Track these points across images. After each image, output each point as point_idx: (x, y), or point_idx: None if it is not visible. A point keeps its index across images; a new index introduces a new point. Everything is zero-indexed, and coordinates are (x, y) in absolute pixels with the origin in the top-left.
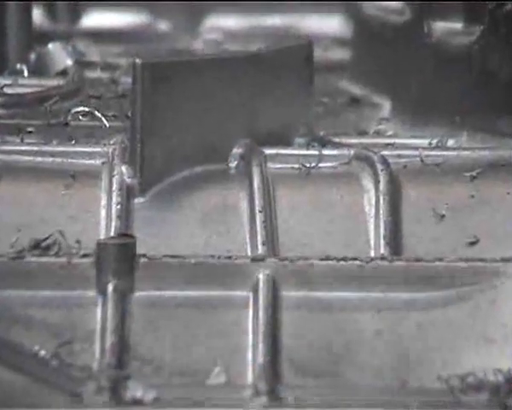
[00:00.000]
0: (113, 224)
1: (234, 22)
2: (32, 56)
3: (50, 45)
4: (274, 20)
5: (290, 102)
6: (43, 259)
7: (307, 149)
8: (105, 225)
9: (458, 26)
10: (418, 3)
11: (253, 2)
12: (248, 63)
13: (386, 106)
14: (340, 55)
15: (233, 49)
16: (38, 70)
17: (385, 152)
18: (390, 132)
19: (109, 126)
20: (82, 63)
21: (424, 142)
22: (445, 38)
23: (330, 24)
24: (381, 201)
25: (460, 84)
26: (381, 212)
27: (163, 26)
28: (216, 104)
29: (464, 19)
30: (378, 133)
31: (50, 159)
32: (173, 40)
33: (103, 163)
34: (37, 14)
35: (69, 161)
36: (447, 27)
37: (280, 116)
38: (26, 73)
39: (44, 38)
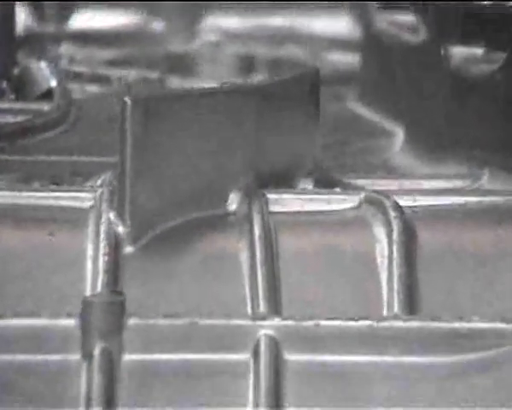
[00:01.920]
0: (100, 278)
1: (233, 22)
2: (16, 71)
3: (34, 64)
4: (276, 21)
5: (295, 138)
6: (21, 319)
7: (313, 191)
8: (91, 280)
9: (479, 51)
10: (435, 22)
11: (254, 2)
12: (249, 97)
13: (399, 135)
14: (347, 63)
15: (232, 50)
16: (22, 88)
17: (398, 195)
18: (404, 169)
19: (97, 161)
20: (70, 75)
21: (441, 182)
22: (464, 64)
23: (336, 28)
24: (395, 252)
25: (480, 116)
26: (395, 264)
27: (158, 27)
28: (213, 143)
29: (486, 44)
30: (391, 170)
31: (31, 203)
32: (169, 42)
33: (90, 208)
34: (24, 15)
35: (52, 205)
36: (467, 52)
37: (283, 154)
38: (8, 94)
39: (31, 40)
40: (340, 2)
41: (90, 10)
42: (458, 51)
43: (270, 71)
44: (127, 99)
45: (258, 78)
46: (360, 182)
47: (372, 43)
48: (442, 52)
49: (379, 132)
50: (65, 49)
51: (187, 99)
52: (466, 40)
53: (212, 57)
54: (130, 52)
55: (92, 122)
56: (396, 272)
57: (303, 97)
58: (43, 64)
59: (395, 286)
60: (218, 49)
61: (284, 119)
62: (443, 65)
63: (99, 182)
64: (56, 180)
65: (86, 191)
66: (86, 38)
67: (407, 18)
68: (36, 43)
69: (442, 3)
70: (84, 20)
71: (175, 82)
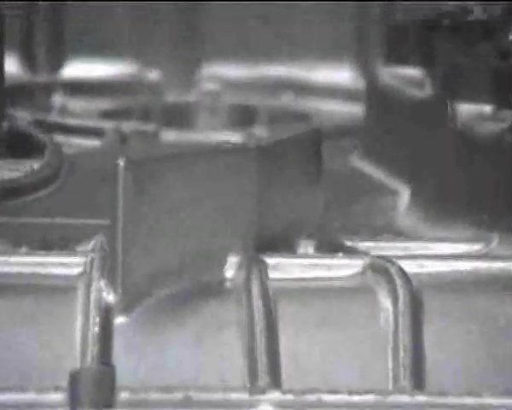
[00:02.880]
0: (90, 349)
1: (233, 71)
2: (5, 125)
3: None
4: (276, 70)
5: (295, 199)
6: (7, 394)
7: (314, 256)
8: (80, 351)
9: (487, 109)
10: (442, 76)
11: (256, 50)
12: (249, 157)
13: (404, 194)
14: (349, 114)
15: (231, 100)
16: (10, 144)
17: (404, 261)
18: (409, 231)
19: (89, 224)
20: (59, 128)
21: (449, 246)
22: (472, 122)
23: (338, 78)
24: (401, 322)
25: (489, 177)
26: (401, 335)
27: (154, 75)
28: (210, 206)
29: (495, 102)
30: (396, 232)
31: (17, 270)
32: (166, 92)
33: (80, 275)
34: (14, 64)
35: (40, 272)
36: (474, 110)
37: (284, 216)
38: None
39: (22, 90)
40: (342, 52)
41: (83, 59)
42: (466, 108)
43: (271, 122)
44: (120, 162)
45: (257, 132)
46: (364, 245)
47: (376, 98)
48: (449, 109)
49: (383, 191)
50: (57, 99)
51: (183, 160)
52: (474, 97)
53: (210, 108)
54: (125, 103)
55: (84, 181)
56: (402, 343)
57: (304, 158)
58: (32, 117)
59: (401, 358)
60: (216, 100)
61: (285, 179)
62: (450, 122)
63: (90, 247)
64: (45, 244)
65: (76, 257)
66: (79, 88)
67: (413, 72)
68: (26, 94)
69: (449, 58)
70: (76, 69)
71: (171, 135)
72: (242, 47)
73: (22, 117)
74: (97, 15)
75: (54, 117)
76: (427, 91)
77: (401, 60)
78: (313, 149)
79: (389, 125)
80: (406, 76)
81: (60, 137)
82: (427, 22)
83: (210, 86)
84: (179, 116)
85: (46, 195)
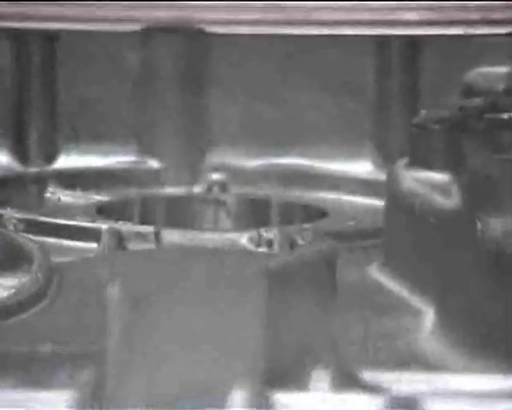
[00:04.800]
0: None
1: (241, 160)
2: None
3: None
4: (287, 159)
5: (308, 326)
6: None
7: (328, 391)
8: None
9: None
10: (469, 184)
11: (266, 136)
12: (258, 277)
13: (427, 314)
14: (367, 213)
15: (241, 192)
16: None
17: (428, 398)
18: (433, 358)
19: (78, 353)
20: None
21: (478, 380)
22: (502, 237)
23: (357, 171)
24: None
25: None
26: None
27: (156, 165)
28: (214, 334)
29: None
30: (418, 359)
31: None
32: (169, 182)
33: None
34: (4, 154)
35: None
36: (505, 223)
37: (295, 344)
38: None
39: (13, 183)
40: (361, 143)
41: (78, 148)
42: (494, 222)
43: (282, 218)
44: (114, 290)
45: (267, 234)
46: (384, 378)
47: (398, 203)
48: (476, 221)
49: (404, 309)
50: (50, 192)
51: (183, 288)
52: (504, 210)
53: (216, 200)
54: (124, 195)
55: (74, 299)
56: None
57: (318, 281)
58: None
59: None
60: (222, 191)
61: (296, 304)
62: (477, 236)
63: (80, 379)
64: (30, 378)
65: (64, 390)
66: (74, 179)
67: (438, 177)
68: (18, 186)
69: (477, 163)
70: (71, 159)
71: (173, 235)
72: (251, 133)
73: (11, 217)
74: (93, 100)
75: (46, 216)
76: (453, 199)
77: (425, 163)
78: (328, 271)
79: (411, 234)
80: (431, 181)
81: (52, 240)
82: (454, 121)
83: (216, 176)
84: (183, 210)
85: (32, 316)
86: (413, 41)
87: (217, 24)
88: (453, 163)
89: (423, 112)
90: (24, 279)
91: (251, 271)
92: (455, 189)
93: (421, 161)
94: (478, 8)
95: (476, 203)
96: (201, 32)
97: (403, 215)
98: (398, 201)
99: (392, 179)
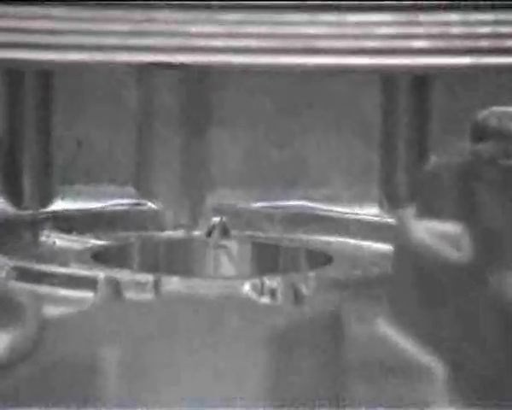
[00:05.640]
0: None
1: (243, 201)
2: None
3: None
4: (292, 200)
5: (310, 385)
6: None
7: None
8: None
9: None
10: (481, 237)
11: (269, 176)
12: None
13: (439, 374)
14: (375, 256)
15: (242, 235)
16: None
17: None
18: None
19: None
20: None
21: None
22: None
23: (363, 213)
24: None
25: None
26: None
27: (156, 207)
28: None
29: None
30: None
31: None
32: (167, 225)
33: None
34: None
35: None
36: None
37: (295, 404)
38: None
39: (7, 226)
40: (368, 185)
41: (74, 189)
42: (510, 277)
43: (286, 265)
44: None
45: (270, 283)
46: None
47: (406, 254)
48: (491, 277)
49: (414, 368)
50: (44, 236)
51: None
52: None
53: (217, 244)
54: (121, 241)
55: (67, 356)
56: None
57: (323, 336)
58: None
59: None
60: (224, 236)
61: (299, 362)
62: (491, 292)
63: None
64: None
65: None
66: (69, 221)
67: (448, 227)
68: (11, 231)
69: (491, 214)
70: (67, 200)
71: (172, 283)
72: (253, 175)
73: (4, 264)
74: (89, 139)
75: (40, 262)
76: (464, 252)
77: (435, 212)
78: (333, 327)
79: (421, 287)
80: (440, 232)
81: (46, 288)
82: (465, 168)
83: (217, 219)
84: (182, 254)
85: (20, 376)
86: (421, 77)
87: (213, 52)
88: (465, 213)
89: (433, 158)
90: (13, 335)
91: (253, 327)
92: (467, 241)
93: (431, 209)
94: (488, 36)
95: (489, 257)
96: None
97: (411, 266)
98: (406, 251)
99: (401, 229)
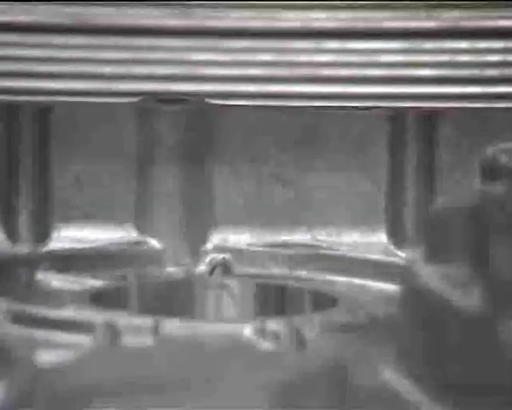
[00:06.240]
0: None
1: (246, 239)
2: None
3: None
4: (296, 237)
5: None
6: None
7: None
8: None
9: None
10: (493, 284)
11: (273, 214)
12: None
13: None
14: (381, 296)
15: (246, 273)
16: None
17: None
18: None
19: None
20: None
21: None
22: None
23: (368, 253)
24: None
25: None
26: None
27: (156, 245)
28: None
29: None
30: None
31: None
32: (168, 264)
33: None
34: None
35: None
36: None
37: None
38: None
39: (2, 265)
40: (373, 223)
41: (72, 226)
42: None
43: (290, 307)
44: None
45: (272, 326)
46: None
47: (414, 299)
48: (501, 327)
49: None
50: (41, 276)
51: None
52: None
53: (219, 283)
54: (119, 281)
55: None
56: None
57: (328, 385)
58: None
59: None
60: (225, 274)
61: None
62: (501, 341)
63: None
64: None
65: None
66: (66, 260)
67: (458, 272)
68: (6, 270)
69: (504, 259)
70: (64, 238)
71: (172, 326)
72: (256, 213)
73: None
74: (88, 176)
75: (35, 305)
76: (474, 298)
77: (443, 256)
78: (338, 375)
79: (429, 334)
80: (449, 277)
81: (41, 332)
82: (474, 211)
83: (219, 257)
84: (183, 294)
85: None
86: (429, 115)
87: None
88: (474, 256)
89: (441, 198)
90: (4, 385)
91: (253, 376)
92: (475, 285)
93: (438, 251)
94: (496, 65)
95: (499, 305)
96: (204, 104)
97: (418, 311)
98: (413, 295)
99: (408, 272)
